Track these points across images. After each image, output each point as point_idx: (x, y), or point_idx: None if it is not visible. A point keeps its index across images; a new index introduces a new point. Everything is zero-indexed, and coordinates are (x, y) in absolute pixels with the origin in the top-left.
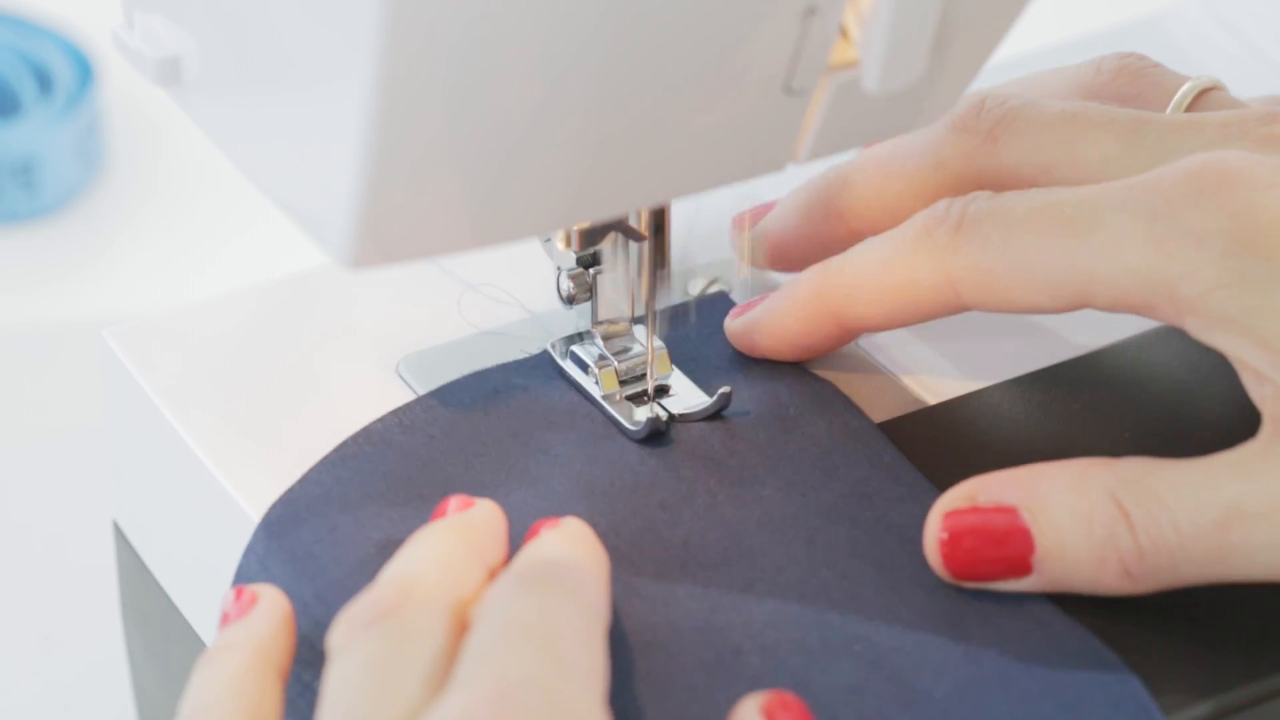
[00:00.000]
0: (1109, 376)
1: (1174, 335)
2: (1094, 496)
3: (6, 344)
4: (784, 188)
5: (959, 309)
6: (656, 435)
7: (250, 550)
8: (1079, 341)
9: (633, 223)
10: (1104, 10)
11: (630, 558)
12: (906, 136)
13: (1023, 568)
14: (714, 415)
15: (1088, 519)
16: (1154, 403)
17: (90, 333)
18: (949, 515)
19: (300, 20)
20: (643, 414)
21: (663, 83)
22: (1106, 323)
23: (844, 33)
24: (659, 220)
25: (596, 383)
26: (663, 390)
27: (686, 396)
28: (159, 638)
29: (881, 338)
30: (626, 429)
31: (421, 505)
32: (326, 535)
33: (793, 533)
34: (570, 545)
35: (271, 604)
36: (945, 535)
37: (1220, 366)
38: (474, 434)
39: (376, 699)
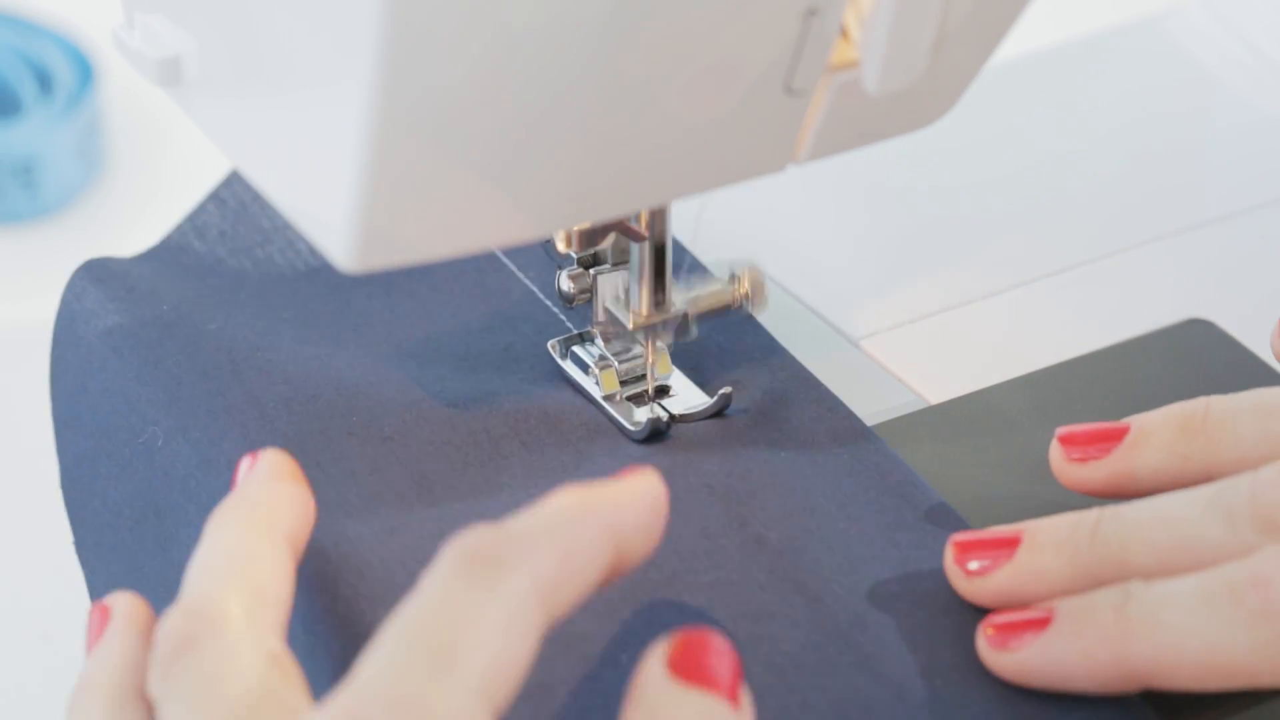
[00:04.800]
0: (1109, 376)
1: (1173, 335)
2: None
3: (6, 344)
4: (785, 187)
5: None
6: (657, 435)
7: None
8: (1079, 341)
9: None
10: (1104, 10)
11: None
12: (1182, 523)
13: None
14: (714, 415)
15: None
16: (1154, 402)
17: None
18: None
19: (301, 22)
20: (643, 414)
21: (663, 83)
22: (1106, 322)
23: (844, 33)
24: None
25: (597, 383)
26: (663, 391)
27: (687, 397)
28: None
29: (881, 337)
30: (627, 430)
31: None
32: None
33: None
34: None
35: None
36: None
37: (1220, 368)
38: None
39: None
